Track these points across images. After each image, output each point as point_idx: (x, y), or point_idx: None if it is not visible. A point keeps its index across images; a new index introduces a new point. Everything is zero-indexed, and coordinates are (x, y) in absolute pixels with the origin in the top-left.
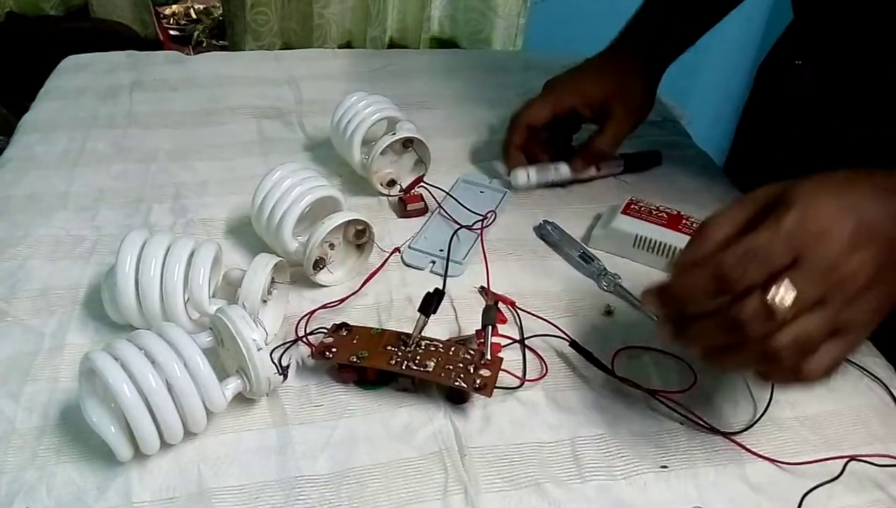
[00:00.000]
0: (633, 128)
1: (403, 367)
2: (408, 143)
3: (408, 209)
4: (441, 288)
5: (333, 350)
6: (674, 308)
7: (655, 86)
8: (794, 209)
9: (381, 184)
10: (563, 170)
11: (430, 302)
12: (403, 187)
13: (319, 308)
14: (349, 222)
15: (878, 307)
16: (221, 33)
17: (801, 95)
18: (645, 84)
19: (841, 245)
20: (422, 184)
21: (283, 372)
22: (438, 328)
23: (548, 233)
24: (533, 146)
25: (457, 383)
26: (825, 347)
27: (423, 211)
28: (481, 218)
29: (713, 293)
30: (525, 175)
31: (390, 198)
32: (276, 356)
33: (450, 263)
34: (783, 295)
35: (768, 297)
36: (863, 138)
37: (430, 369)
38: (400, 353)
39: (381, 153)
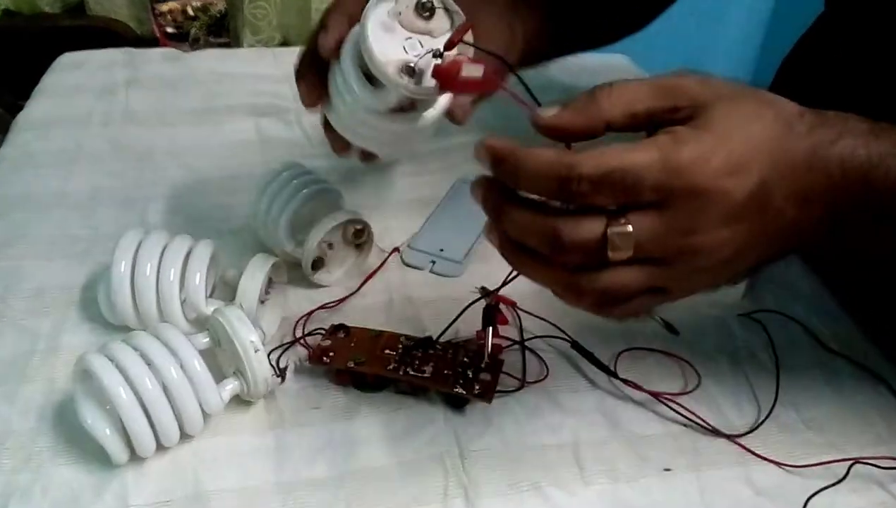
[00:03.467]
0: (506, 54)
1: (401, 373)
2: (426, 7)
3: (460, 77)
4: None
5: (331, 354)
6: (503, 176)
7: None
8: (700, 142)
9: (399, 73)
10: None
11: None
12: (441, 51)
13: (318, 308)
14: (348, 222)
15: (718, 281)
16: (219, 30)
17: (827, 91)
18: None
19: (720, 213)
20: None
21: (281, 373)
22: (438, 329)
23: None
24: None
25: (456, 389)
26: (637, 300)
27: (487, 83)
28: None
29: (552, 192)
30: None
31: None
32: (273, 357)
33: (450, 263)
34: (624, 239)
35: (609, 232)
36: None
37: (429, 374)
38: (398, 357)
39: (386, 30)
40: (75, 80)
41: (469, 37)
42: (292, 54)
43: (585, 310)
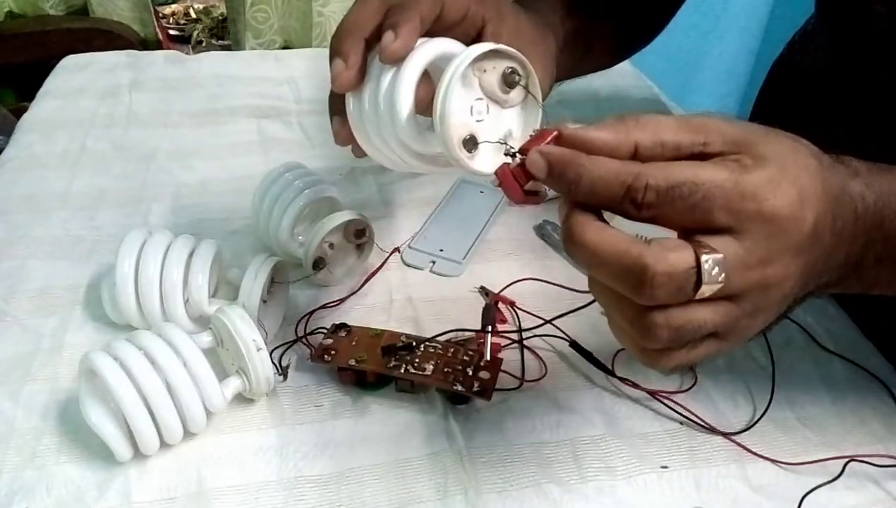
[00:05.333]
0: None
1: (402, 371)
2: (511, 82)
3: (527, 189)
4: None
5: (332, 353)
6: (562, 184)
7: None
8: (766, 169)
9: (461, 144)
10: None
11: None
12: (513, 148)
13: (319, 308)
14: (349, 222)
15: (767, 322)
16: (221, 33)
17: (815, 93)
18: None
19: (791, 242)
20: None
21: (283, 372)
22: (437, 328)
23: (548, 233)
24: None
25: (456, 387)
26: (702, 346)
27: (541, 200)
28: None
29: (615, 201)
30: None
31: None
32: (275, 356)
33: (450, 263)
34: (718, 268)
35: (703, 259)
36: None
37: (429, 372)
38: (398, 356)
39: (465, 83)
40: (79, 82)
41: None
42: (294, 57)
43: (638, 353)
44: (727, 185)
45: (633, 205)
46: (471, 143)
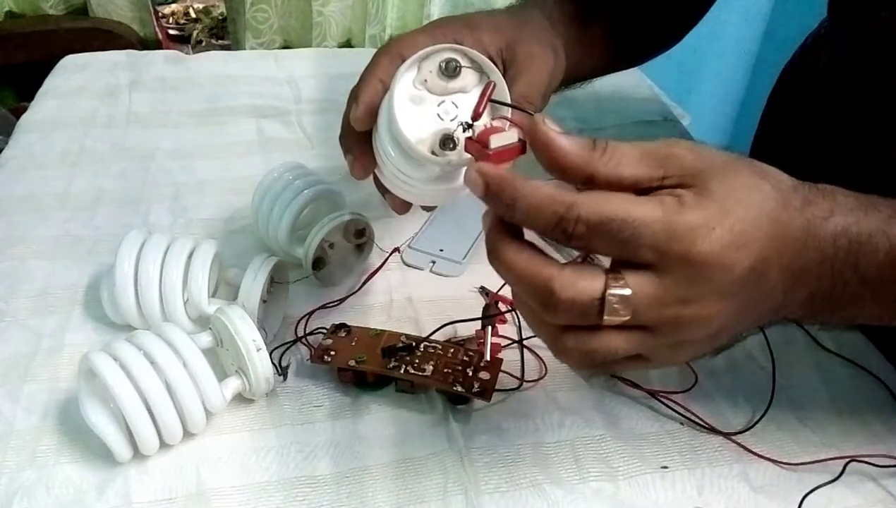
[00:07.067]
0: (550, 80)
1: (402, 372)
2: (451, 70)
3: (491, 150)
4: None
5: (332, 353)
6: (497, 205)
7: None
8: (704, 209)
9: (437, 147)
10: None
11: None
12: (469, 123)
13: (319, 308)
14: (349, 222)
15: (698, 354)
16: (221, 33)
17: (827, 100)
18: (555, 36)
19: (717, 286)
20: (492, 99)
21: (283, 372)
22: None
23: None
24: None
25: (456, 388)
26: (618, 364)
27: (519, 149)
28: None
29: (547, 228)
30: None
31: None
32: (275, 356)
33: (450, 263)
34: (623, 304)
35: (609, 293)
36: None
37: (429, 373)
38: (398, 357)
39: (416, 103)
40: (78, 82)
41: (500, 91)
42: (294, 57)
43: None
44: (656, 226)
45: (563, 234)
46: (450, 141)
